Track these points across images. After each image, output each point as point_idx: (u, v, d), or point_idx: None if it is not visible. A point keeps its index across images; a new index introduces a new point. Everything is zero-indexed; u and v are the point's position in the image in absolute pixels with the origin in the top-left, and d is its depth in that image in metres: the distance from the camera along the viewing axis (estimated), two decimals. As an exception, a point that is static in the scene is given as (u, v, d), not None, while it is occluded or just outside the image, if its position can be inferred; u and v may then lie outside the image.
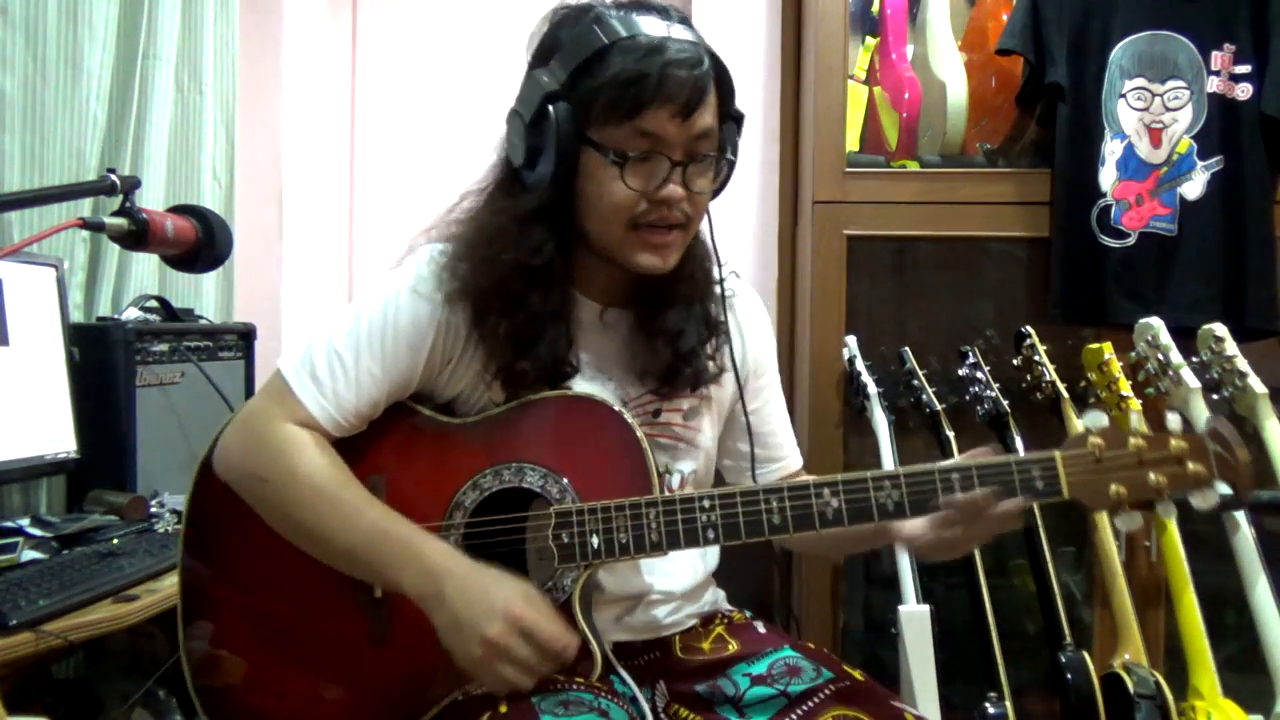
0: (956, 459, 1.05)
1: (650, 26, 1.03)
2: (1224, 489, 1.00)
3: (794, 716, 1.07)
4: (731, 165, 1.12)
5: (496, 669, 0.96)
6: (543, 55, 1.09)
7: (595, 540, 1.03)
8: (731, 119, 1.12)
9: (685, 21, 1.08)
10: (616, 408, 1.09)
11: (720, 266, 1.19)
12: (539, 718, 0.96)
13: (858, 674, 1.11)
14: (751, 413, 1.24)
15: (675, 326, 1.14)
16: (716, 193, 1.13)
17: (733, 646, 1.18)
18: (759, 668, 1.13)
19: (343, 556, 1.04)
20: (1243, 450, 0.99)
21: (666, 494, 1.05)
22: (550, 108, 1.03)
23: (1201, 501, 0.99)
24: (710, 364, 1.17)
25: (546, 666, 0.98)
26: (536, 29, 1.11)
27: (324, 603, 1.09)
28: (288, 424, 1.06)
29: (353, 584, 1.07)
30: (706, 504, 1.02)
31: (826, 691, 1.07)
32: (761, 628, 1.23)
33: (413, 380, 1.11)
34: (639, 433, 1.08)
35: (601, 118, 1.03)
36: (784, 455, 1.29)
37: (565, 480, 1.07)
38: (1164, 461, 0.99)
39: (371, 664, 1.08)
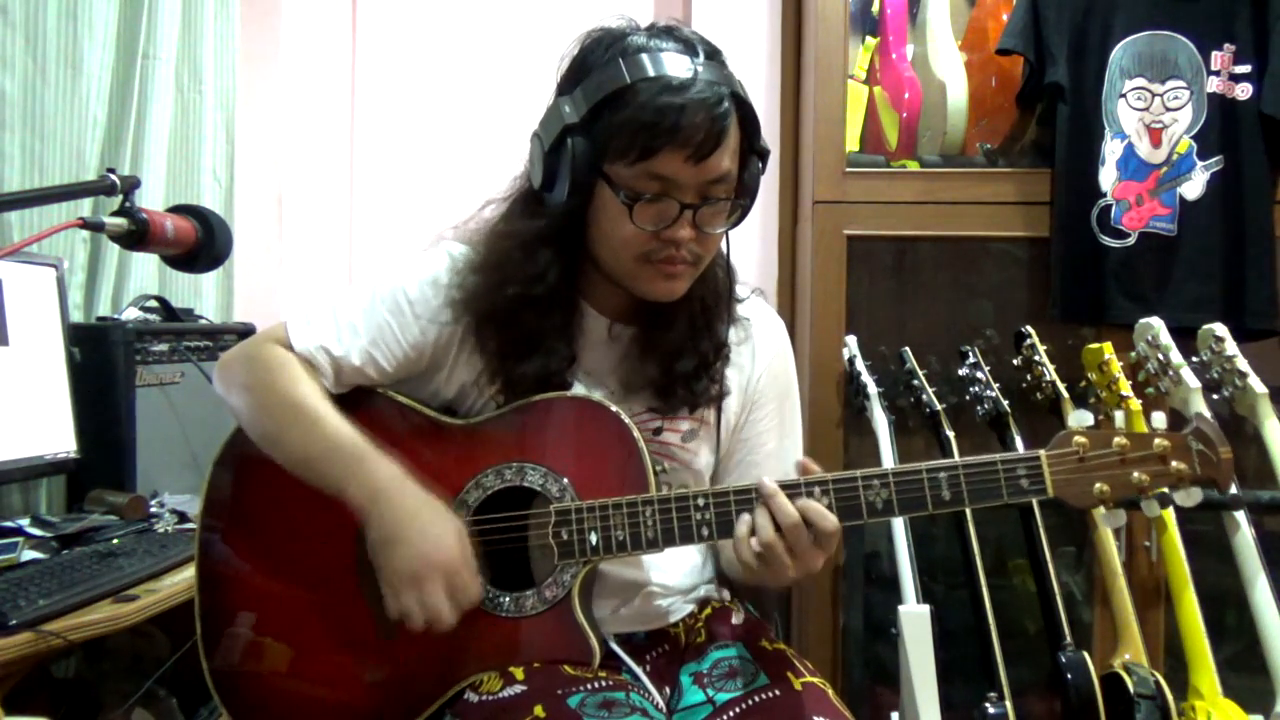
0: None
1: (674, 65, 1.02)
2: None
3: None
4: (748, 206, 1.12)
5: (401, 606, 1.02)
6: (569, 80, 1.09)
7: (594, 537, 1.06)
8: (755, 154, 1.11)
9: (714, 56, 1.07)
10: (614, 409, 1.11)
11: (734, 286, 1.20)
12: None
13: (801, 682, 1.08)
14: (742, 441, 1.23)
15: (674, 346, 1.15)
16: (733, 227, 1.13)
17: (702, 639, 1.19)
18: (704, 665, 1.14)
19: (301, 464, 1.09)
20: (1225, 448, 0.99)
21: (662, 493, 1.06)
22: (568, 139, 1.04)
23: (1185, 499, 1.00)
24: (714, 387, 1.17)
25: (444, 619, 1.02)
26: (567, 50, 1.11)
27: (332, 596, 1.12)
28: (279, 347, 1.14)
29: (359, 579, 1.10)
30: (701, 502, 1.04)
31: (747, 704, 1.06)
32: (736, 618, 1.22)
33: (393, 360, 1.14)
34: (635, 433, 1.09)
35: (616, 156, 1.04)
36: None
37: (565, 479, 1.09)
38: (1147, 460, 1.00)
39: (378, 657, 1.10)
